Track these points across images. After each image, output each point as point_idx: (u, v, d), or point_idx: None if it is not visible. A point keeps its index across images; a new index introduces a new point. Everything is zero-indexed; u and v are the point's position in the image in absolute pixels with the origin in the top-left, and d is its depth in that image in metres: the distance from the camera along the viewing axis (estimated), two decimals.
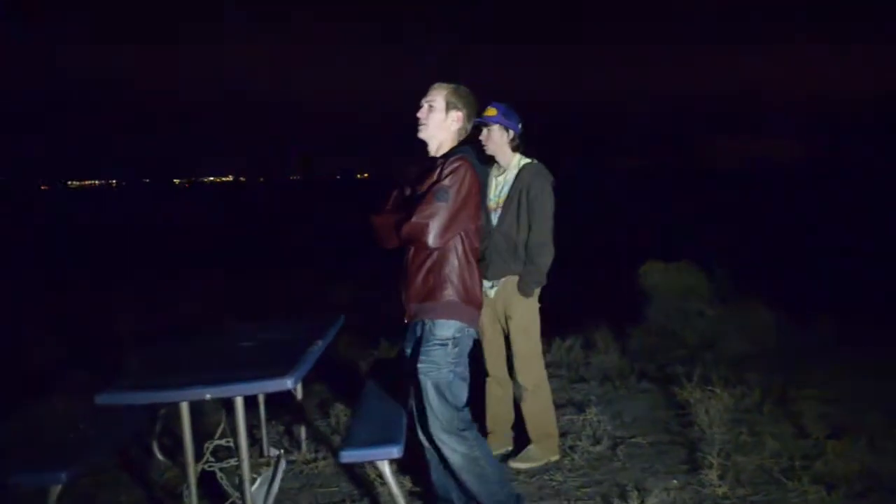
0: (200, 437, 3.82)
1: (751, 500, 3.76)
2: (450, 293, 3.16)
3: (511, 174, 4.12)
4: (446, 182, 3.06)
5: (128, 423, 3.97)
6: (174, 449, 4.64)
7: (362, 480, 4.19)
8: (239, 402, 3.25)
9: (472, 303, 3.20)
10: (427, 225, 3.05)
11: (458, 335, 3.18)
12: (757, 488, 3.87)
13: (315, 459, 4.50)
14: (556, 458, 4.33)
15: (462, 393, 3.26)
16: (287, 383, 3.03)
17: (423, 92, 3.29)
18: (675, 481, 4.01)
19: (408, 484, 4.05)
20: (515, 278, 4.13)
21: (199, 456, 3.35)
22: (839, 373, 5.75)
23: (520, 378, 4.23)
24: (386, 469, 3.31)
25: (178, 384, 3.07)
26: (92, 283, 12.43)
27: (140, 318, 8.95)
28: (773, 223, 18.79)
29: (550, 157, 4.39)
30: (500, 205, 4.10)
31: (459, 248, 3.16)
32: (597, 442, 4.55)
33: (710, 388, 4.96)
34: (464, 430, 3.24)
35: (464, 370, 3.26)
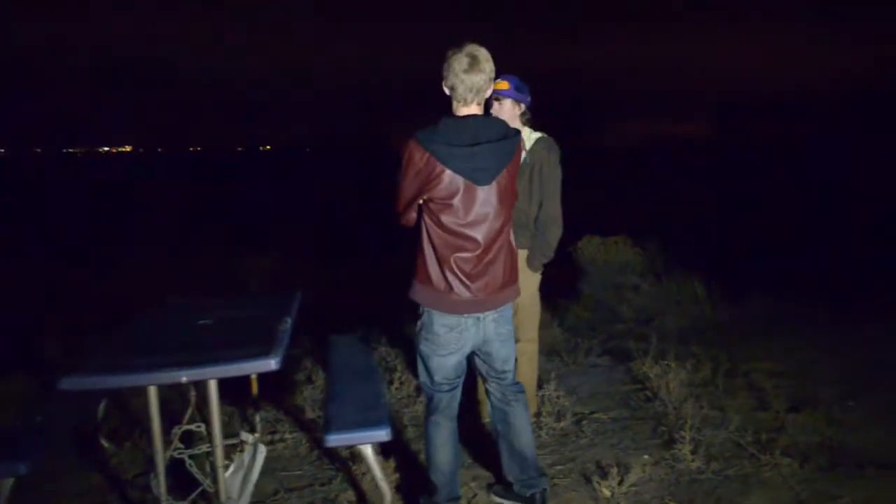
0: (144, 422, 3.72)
1: (725, 473, 3.76)
2: (416, 273, 3.09)
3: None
4: (398, 163, 2.99)
5: (75, 410, 3.71)
6: (116, 435, 4.41)
7: (326, 463, 4.05)
8: (213, 385, 3.06)
9: (430, 285, 3.03)
10: (393, 204, 3.09)
11: (421, 312, 3.12)
12: (730, 462, 3.88)
13: (272, 442, 4.32)
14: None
15: (423, 370, 3.25)
16: (271, 363, 2.88)
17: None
18: (647, 457, 3.99)
19: (387, 466, 3.90)
20: (525, 252, 4.08)
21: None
22: (778, 347, 5.86)
23: (520, 337, 4.15)
24: (370, 453, 3.18)
25: (150, 366, 2.86)
26: None
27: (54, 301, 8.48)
28: (690, 198, 19.15)
29: None
30: None
31: (424, 229, 3.02)
32: (560, 418, 4.50)
33: (665, 362, 4.96)
34: (427, 404, 3.32)
35: (425, 350, 3.16)
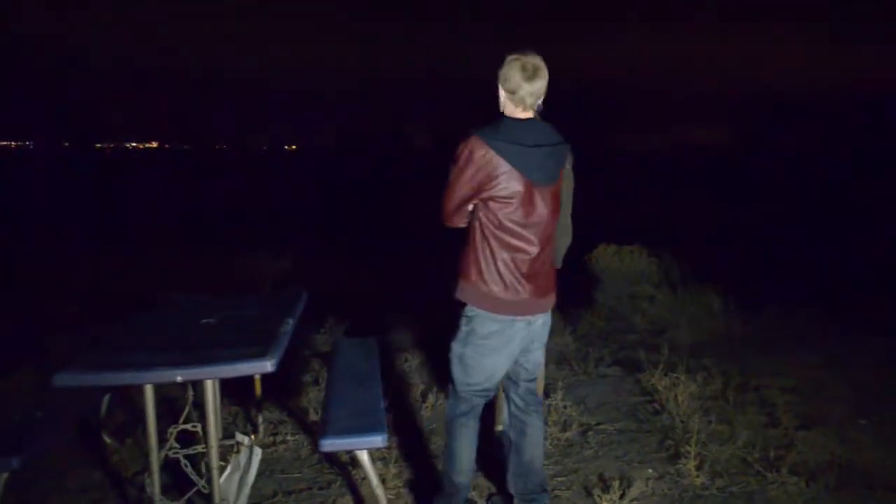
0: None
1: (730, 490, 3.70)
2: (466, 274, 3.04)
3: None
4: (453, 161, 2.95)
5: (79, 404, 3.69)
6: (120, 431, 4.40)
7: (326, 467, 4.01)
8: (209, 385, 3.04)
9: (484, 285, 2.99)
10: (441, 207, 3.04)
11: (470, 314, 3.06)
12: (735, 479, 3.81)
13: (274, 444, 4.29)
14: None
15: (463, 374, 3.14)
16: (267, 366, 2.84)
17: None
18: (650, 471, 3.93)
19: (386, 472, 3.85)
20: None
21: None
22: (790, 362, 5.78)
23: None
24: (366, 458, 3.13)
25: (146, 364, 2.83)
26: None
27: (64, 295, 8.44)
28: (707, 206, 18.99)
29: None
30: None
31: (478, 229, 2.99)
32: (565, 428, 4.44)
33: (675, 374, 4.89)
34: (455, 406, 3.25)
35: (472, 353, 3.09)
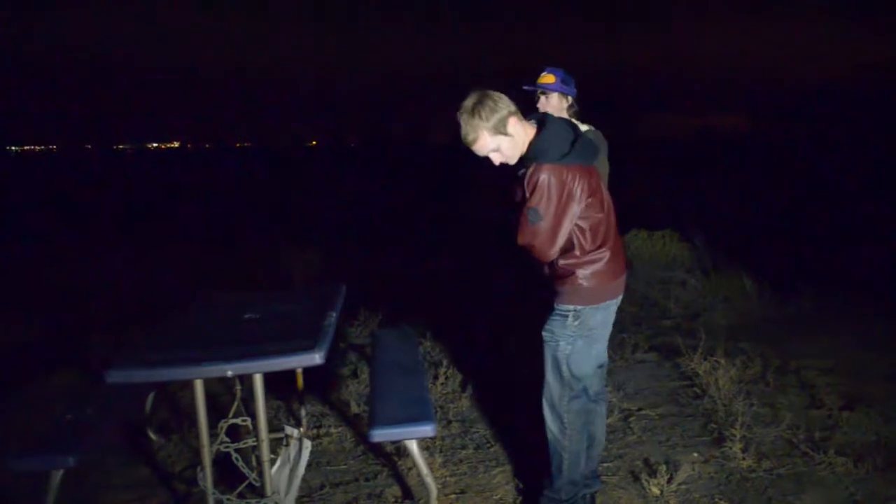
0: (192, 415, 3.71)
1: (778, 472, 3.69)
2: (569, 281, 3.01)
3: None
4: (533, 201, 2.85)
5: (124, 402, 3.74)
6: (165, 428, 4.45)
7: (371, 458, 4.04)
8: (258, 379, 3.05)
9: (589, 281, 2.99)
10: (536, 248, 2.95)
11: (577, 308, 3.03)
12: (782, 461, 3.80)
13: (318, 436, 4.32)
14: None
15: (577, 368, 3.10)
16: (315, 358, 2.85)
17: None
18: (696, 454, 3.92)
19: (433, 462, 3.85)
20: None
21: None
22: (828, 343, 5.75)
23: None
24: (415, 448, 3.15)
25: (196, 360, 2.86)
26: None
27: (101, 293, 8.50)
28: (738, 192, 18.81)
29: None
30: None
31: (577, 234, 2.97)
32: (607, 414, 4.41)
33: (713, 358, 4.88)
34: (571, 407, 3.16)
35: (583, 345, 3.07)
